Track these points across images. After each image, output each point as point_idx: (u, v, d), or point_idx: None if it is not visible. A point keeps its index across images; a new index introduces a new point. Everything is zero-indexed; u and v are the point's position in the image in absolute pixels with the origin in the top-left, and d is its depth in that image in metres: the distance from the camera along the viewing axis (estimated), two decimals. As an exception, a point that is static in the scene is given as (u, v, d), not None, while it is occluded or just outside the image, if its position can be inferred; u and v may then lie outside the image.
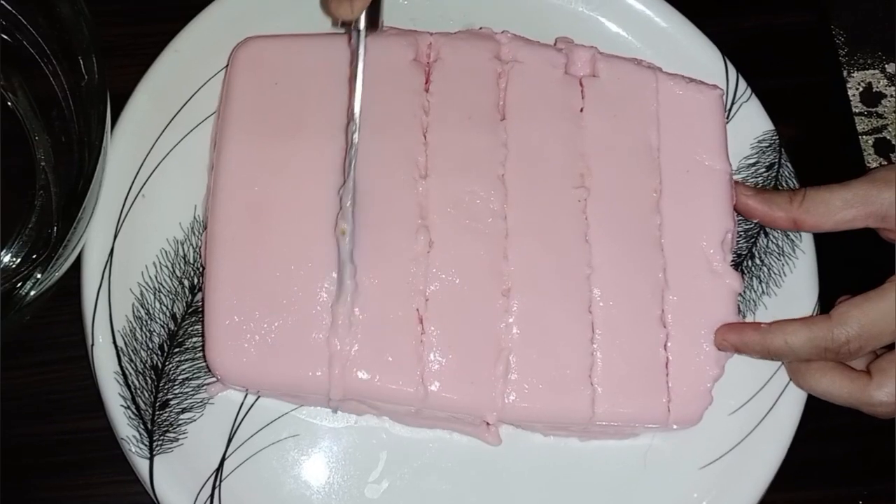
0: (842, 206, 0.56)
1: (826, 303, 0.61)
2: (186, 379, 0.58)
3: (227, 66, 0.60)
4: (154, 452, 0.56)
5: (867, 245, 0.59)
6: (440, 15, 0.65)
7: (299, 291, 0.55)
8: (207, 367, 0.56)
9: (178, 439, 0.57)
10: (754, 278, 0.63)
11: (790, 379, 0.58)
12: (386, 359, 0.54)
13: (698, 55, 0.65)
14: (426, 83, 0.59)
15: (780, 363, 0.59)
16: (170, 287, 0.59)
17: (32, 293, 0.53)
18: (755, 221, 0.61)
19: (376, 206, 0.56)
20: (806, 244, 0.63)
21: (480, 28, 0.62)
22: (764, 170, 0.64)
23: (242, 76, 0.59)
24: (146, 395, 0.57)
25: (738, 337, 0.56)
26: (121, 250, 0.59)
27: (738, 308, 0.58)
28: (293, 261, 0.55)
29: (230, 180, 0.57)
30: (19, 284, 0.52)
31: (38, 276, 0.53)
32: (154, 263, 0.59)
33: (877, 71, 0.72)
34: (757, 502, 0.59)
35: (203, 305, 0.56)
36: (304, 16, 0.64)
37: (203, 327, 0.56)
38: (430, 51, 0.60)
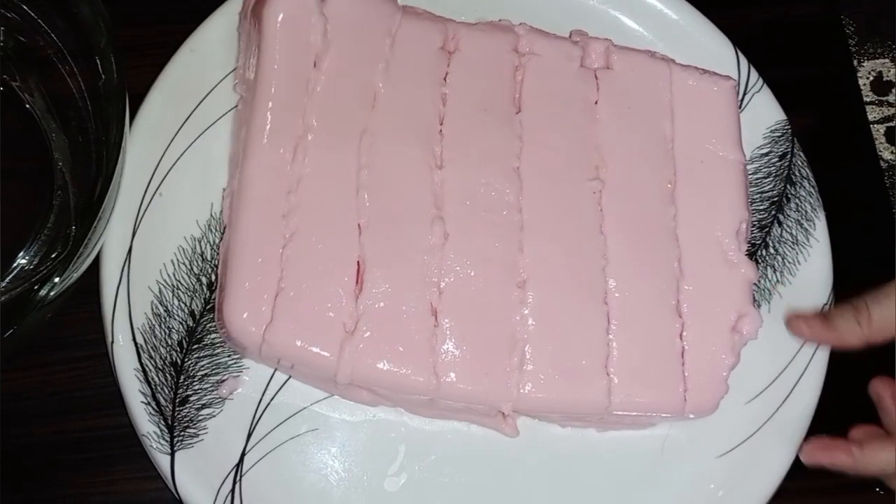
0: None
1: (840, 292, 0.61)
2: (206, 375, 0.58)
3: (245, 16, 0.59)
4: (175, 448, 0.56)
5: (883, 233, 0.59)
6: (453, 10, 0.65)
7: (319, 265, 0.54)
8: (219, 323, 0.55)
9: (198, 435, 0.57)
10: (769, 268, 0.63)
11: (887, 483, 0.57)
12: (397, 349, 0.54)
13: (710, 46, 0.65)
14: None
15: (798, 350, 0.60)
16: (188, 284, 0.60)
17: (52, 293, 0.53)
18: (769, 211, 0.61)
19: (392, 194, 0.56)
20: (820, 233, 0.63)
21: (499, 20, 0.62)
22: (777, 159, 0.64)
23: (278, 38, 0.57)
24: (166, 391, 0.57)
25: (829, 458, 0.56)
26: (139, 249, 0.59)
27: (753, 297, 0.58)
28: (316, 233, 0.55)
29: (261, 144, 0.56)
30: (38, 285, 0.52)
31: (58, 276, 0.53)
32: (172, 261, 0.60)
33: (887, 60, 0.72)
34: (774, 491, 0.59)
35: (220, 265, 0.55)
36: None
37: (219, 285, 0.55)
38: (452, 41, 0.60)
